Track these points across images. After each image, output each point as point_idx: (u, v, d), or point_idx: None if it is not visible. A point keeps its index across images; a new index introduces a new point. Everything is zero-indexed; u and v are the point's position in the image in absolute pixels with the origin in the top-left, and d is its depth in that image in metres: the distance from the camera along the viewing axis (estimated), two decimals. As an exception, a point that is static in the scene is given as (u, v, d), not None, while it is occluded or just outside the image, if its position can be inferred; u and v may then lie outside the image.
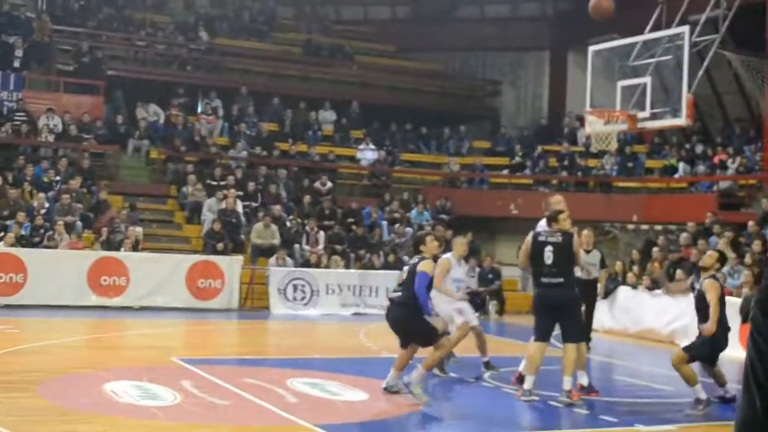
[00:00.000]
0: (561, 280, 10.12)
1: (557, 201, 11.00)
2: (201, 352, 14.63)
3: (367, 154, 28.21)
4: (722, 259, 10.23)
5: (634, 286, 18.96)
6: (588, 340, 15.98)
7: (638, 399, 9.32)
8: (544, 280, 10.22)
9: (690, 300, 17.43)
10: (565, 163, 27.36)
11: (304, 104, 29.36)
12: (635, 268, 19.65)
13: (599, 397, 10.48)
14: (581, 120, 24.46)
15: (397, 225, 24.50)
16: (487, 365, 11.94)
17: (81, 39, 27.79)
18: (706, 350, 10.03)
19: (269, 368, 12.43)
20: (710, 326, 9.77)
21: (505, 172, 28.43)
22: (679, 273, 18.33)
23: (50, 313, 17.98)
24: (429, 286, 9.61)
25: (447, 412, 8.75)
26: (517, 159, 28.47)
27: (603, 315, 17.80)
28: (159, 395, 9.74)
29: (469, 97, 33.13)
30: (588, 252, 15.72)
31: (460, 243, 12.13)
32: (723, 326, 9.94)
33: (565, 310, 10.19)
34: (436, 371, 11.53)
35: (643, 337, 17.80)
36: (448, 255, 11.88)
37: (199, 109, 28.25)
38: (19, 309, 18.19)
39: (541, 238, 10.29)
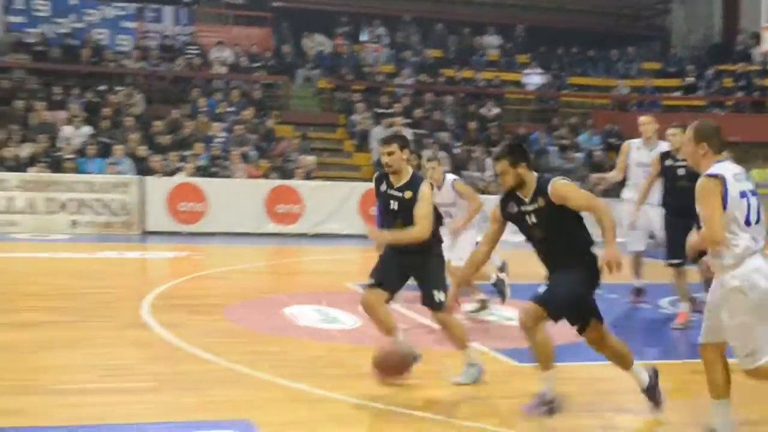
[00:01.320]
0: None
1: (645, 121, 10.99)
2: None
3: (534, 78, 27.83)
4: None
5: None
6: None
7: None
8: None
9: None
10: (741, 83, 26.29)
11: (468, 29, 29.09)
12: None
13: None
14: (757, 37, 23.45)
15: (566, 150, 24.15)
16: None
17: (248, -29, 28.27)
18: None
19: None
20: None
21: (677, 93, 27.55)
22: None
23: (230, 240, 18.71)
24: None
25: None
26: (689, 80, 27.54)
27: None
28: (338, 319, 10.00)
29: (637, 17, 32.13)
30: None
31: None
32: None
33: None
34: None
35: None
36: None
37: (364, 38, 28.40)
38: (201, 236, 19.00)
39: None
